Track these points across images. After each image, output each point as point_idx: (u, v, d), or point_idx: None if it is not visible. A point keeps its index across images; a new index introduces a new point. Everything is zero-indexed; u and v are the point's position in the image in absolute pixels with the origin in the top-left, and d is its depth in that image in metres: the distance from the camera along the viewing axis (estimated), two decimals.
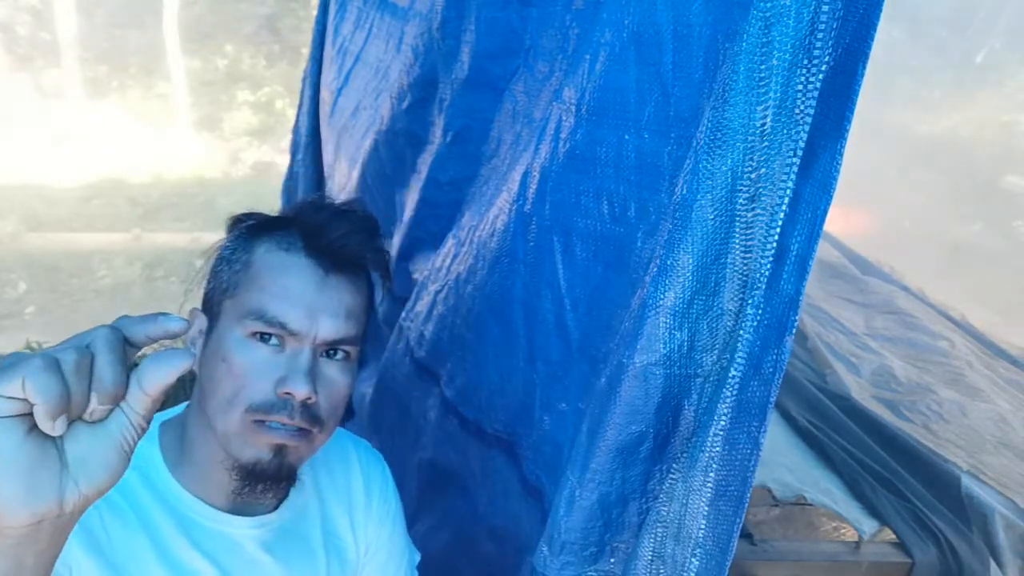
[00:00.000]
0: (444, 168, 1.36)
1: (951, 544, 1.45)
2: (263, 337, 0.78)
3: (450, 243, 1.28)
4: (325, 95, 2.22)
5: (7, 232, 5.00)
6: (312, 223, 0.82)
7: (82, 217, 5.45)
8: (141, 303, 4.27)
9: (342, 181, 1.94)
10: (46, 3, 6.84)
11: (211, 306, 0.84)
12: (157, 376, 0.50)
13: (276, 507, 0.88)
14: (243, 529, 0.84)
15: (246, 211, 0.88)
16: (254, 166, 6.94)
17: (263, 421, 0.77)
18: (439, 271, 1.29)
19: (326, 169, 2.31)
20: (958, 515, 1.53)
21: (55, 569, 0.53)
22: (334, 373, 0.81)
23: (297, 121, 2.64)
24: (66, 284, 4.45)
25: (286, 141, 2.95)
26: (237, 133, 7.37)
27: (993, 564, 1.44)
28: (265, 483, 0.80)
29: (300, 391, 0.76)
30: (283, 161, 3.03)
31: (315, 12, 2.45)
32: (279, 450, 0.78)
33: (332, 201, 0.86)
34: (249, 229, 0.85)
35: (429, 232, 1.44)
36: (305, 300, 0.78)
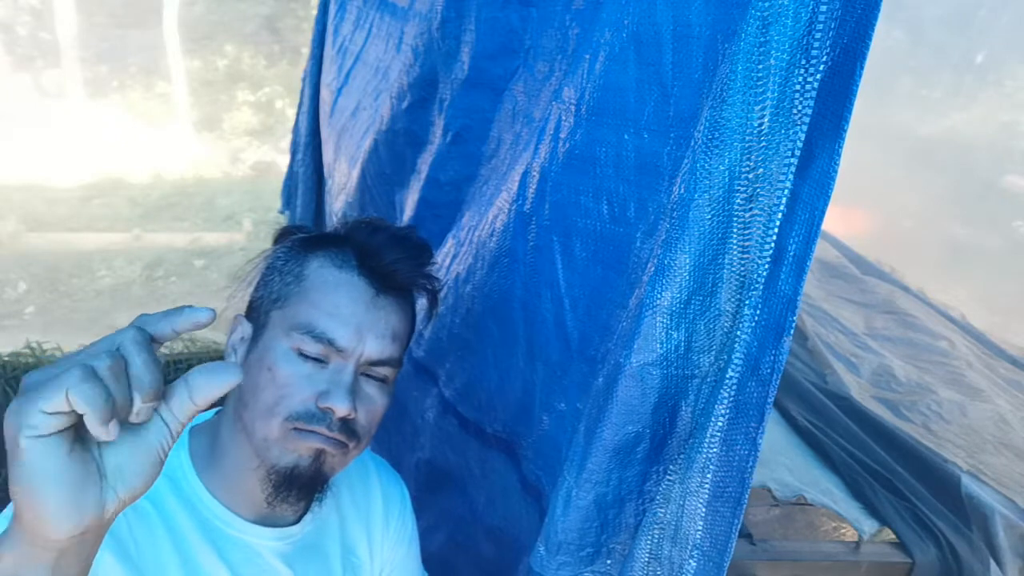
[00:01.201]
0: (444, 168, 1.36)
1: (951, 544, 1.44)
2: (308, 352, 0.79)
3: (450, 243, 1.28)
4: (325, 95, 2.22)
5: (7, 232, 5.00)
6: (368, 244, 0.84)
7: (82, 217, 5.46)
8: (141, 303, 4.27)
9: (342, 181, 1.94)
10: (46, 3, 6.85)
11: (258, 315, 0.84)
12: (209, 388, 0.50)
13: (298, 520, 0.88)
14: (266, 540, 0.85)
15: (296, 224, 0.89)
16: (254, 166, 6.94)
17: (301, 429, 0.78)
18: (438, 271, 1.29)
19: (326, 169, 2.31)
20: (958, 515, 1.53)
21: None
22: (373, 392, 0.82)
23: (297, 121, 2.65)
24: (66, 284, 4.46)
25: (286, 141, 2.95)
26: (237, 133, 7.38)
27: (993, 564, 1.44)
28: (300, 489, 0.81)
29: (341, 407, 0.77)
30: (283, 161, 3.04)
31: (315, 12, 2.46)
32: (318, 455, 0.79)
33: (388, 224, 0.88)
34: (303, 242, 0.86)
35: (429, 232, 1.43)
36: (355, 319, 0.80)
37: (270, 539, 0.85)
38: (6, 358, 3.05)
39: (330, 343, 0.78)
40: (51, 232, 5.15)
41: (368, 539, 0.97)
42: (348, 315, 0.79)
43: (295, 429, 0.78)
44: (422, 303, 0.92)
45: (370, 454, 1.04)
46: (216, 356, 2.87)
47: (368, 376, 0.82)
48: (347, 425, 0.79)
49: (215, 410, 0.90)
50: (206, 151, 7.03)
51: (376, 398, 0.83)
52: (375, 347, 0.80)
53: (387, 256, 0.82)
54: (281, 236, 0.89)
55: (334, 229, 0.88)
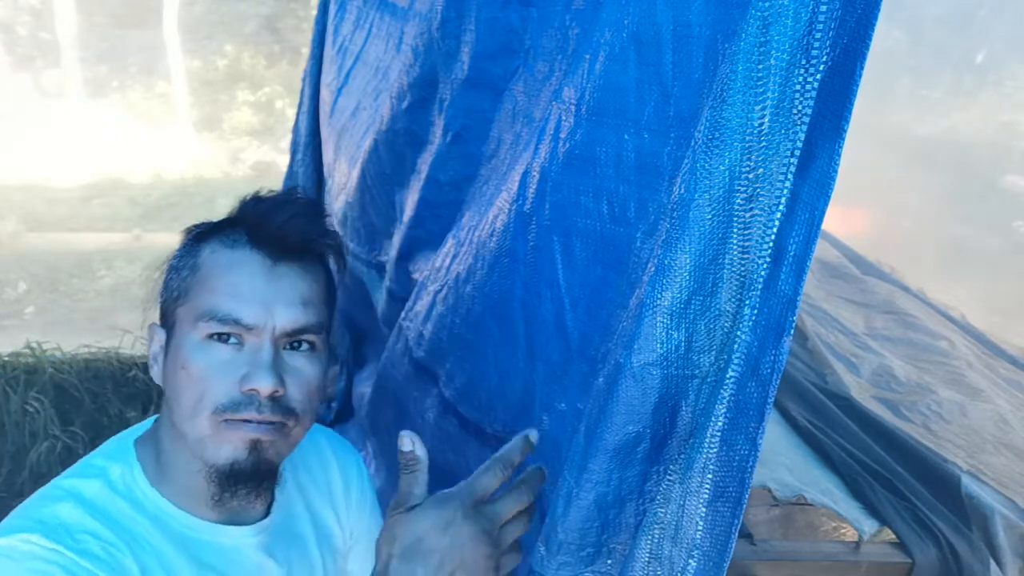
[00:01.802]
0: (444, 168, 1.36)
1: (951, 544, 1.44)
2: (220, 337, 0.77)
3: (450, 243, 1.28)
4: (325, 95, 2.22)
5: (7, 232, 5.01)
6: (253, 215, 0.81)
7: (82, 217, 5.46)
8: (141, 303, 4.27)
9: (342, 181, 1.94)
10: (46, 3, 6.85)
11: (167, 318, 0.83)
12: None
13: (267, 513, 0.87)
14: (243, 538, 0.84)
15: (197, 221, 0.86)
16: (254, 166, 6.94)
17: (231, 420, 0.76)
18: (439, 271, 1.29)
19: (326, 169, 2.31)
20: (958, 515, 1.53)
21: None
22: (301, 363, 0.80)
23: (297, 121, 2.64)
24: (66, 284, 4.46)
25: (286, 141, 2.95)
26: (237, 133, 7.38)
27: (993, 564, 1.44)
28: (245, 484, 0.78)
29: (264, 385, 0.75)
30: (283, 161, 3.04)
31: (315, 12, 2.46)
32: (254, 446, 0.77)
33: (275, 192, 0.85)
34: (196, 236, 0.84)
35: (429, 232, 1.44)
36: (256, 293, 0.77)
37: (246, 536, 0.84)
38: (6, 358, 3.05)
39: (236, 323, 0.75)
40: (51, 232, 5.15)
41: (335, 513, 0.97)
42: (248, 291, 0.76)
43: (225, 421, 0.75)
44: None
45: (320, 428, 1.02)
46: None
47: (292, 348, 0.79)
48: (278, 403, 0.77)
49: (153, 418, 0.88)
50: (206, 151, 7.03)
51: (305, 369, 0.79)
52: (286, 317, 0.77)
53: (275, 221, 0.78)
54: (184, 236, 0.87)
55: (228, 214, 0.85)
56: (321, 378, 0.82)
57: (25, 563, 0.67)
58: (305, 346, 0.80)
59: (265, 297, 0.77)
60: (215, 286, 0.77)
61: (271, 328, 0.77)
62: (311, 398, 0.81)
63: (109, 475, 0.80)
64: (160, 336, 0.83)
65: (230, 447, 0.76)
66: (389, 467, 1.48)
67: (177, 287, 0.81)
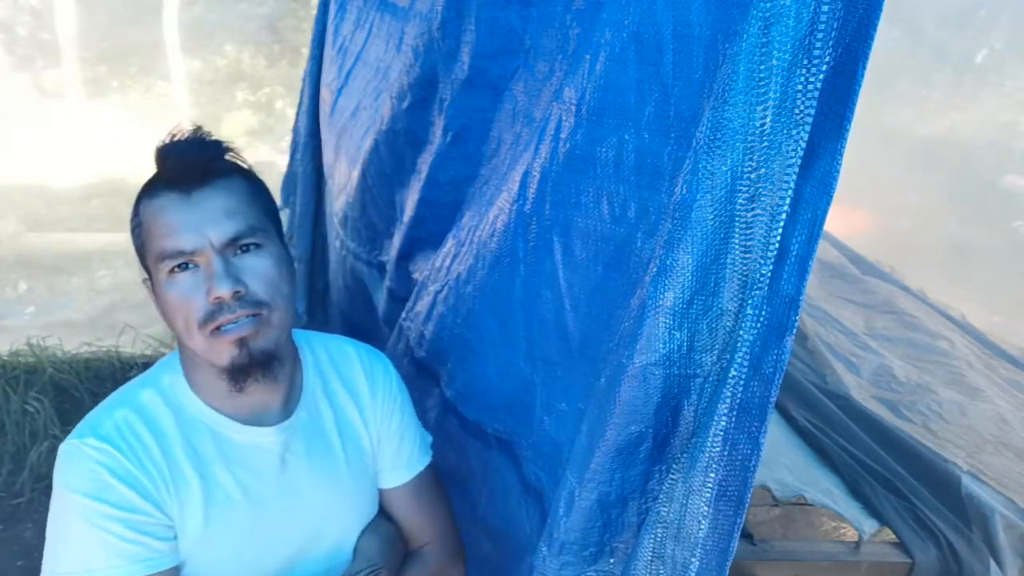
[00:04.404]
0: (444, 168, 1.36)
1: (951, 544, 1.44)
2: (179, 267, 0.90)
3: (450, 243, 1.28)
4: (325, 95, 2.22)
5: (7, 232, 5.00)
6: (158, 163, 0.94)
7: (82, 217, 5.46)
8: (141, 303, 4.27)
9: (342, 181, 1.94)
10: (46, 3, 6.83)
11: (145, 270, 0.97)
12: None
13: (291, 414, 1.01)
14: (265, 437, 0.98)
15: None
16: (254, 166, 6.92)
17: (216, 328, 0.89)
18: (439, 271, 1.29)
19: (326, 169, 2.31)
20: (958, 515, 1.53)
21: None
22: (252, 263, 0.92)
23: (297, 121, 2.65)
24: (66, 284, 4.45)
25: (286, 141, 2.95)
26: (237, 133, 7.36)
27: (993, 564, 1.44)
28: (251, 373, 0.92)
29: (224, 290, 0.87)
30: (283, 161, 3.04)
31: (315, 12, 2.46)
32: (241, 343, 0.90)
33: (172, 135, 0.97)
34: (136, 199, 0.97)
35: (429, 232, 1.44)
36: (184, 223, 0.89)
37: (269, 435, 0.98)
38: (6, 358, 3.05)
39: (181, 253, 0.89)
40: (51, 232, 5.15)
41: (360, 412, 1.09)
42: (178, 224, 0.89)
43: (211, 332, 0.89)
44: None
45: (352, 341, 1.16)
46: None
47: (241, 252, 0.91)
48: (245, 300, 0.89)
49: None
50: None
51: (258, 265, 0.92)
52: (218, 231, 0.89)
53: (171, 160, 0.92)
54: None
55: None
56: (277, 267, 0.94)
57: (81, 462, 0.87)
58: (251, 247, 0.92)
59: (193, 223, 0.89)
60: (156, 232, 0.91)
61: (210, 244, 0.89)
62: (276, 286, 0.93)
63: (161, 383, 0.97)
64: (148, 286, 0.97)
65: (224, 352, 0.90)
66: None
67: (138, 244, 0.96)
